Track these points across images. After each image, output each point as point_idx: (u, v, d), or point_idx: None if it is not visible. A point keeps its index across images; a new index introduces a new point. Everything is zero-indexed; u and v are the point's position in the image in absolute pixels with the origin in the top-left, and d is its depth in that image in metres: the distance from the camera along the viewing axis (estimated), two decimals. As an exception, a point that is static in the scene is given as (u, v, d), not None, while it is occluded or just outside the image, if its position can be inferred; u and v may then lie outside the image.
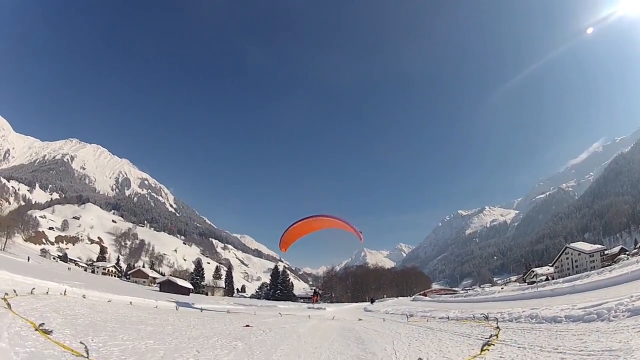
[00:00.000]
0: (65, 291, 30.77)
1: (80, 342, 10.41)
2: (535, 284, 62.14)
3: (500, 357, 11.29)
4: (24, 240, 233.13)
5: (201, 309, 39.67)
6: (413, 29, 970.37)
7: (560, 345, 11.88)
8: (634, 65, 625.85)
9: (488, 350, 12.17)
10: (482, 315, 22.41)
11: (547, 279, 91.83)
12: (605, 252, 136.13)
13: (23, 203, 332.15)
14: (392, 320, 30.67)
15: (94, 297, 32.18)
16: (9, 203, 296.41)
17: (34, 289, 25.87)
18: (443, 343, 15.08)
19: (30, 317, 14.36)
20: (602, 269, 55.04)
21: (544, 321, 17.26)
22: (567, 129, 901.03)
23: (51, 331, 11.64)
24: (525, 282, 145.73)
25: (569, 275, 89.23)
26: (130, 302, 34.77)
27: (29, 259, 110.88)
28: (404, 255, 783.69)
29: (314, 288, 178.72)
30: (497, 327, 16.17)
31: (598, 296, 21.63)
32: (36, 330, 11.51)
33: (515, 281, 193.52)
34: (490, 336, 14.61)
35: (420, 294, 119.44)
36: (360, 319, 34.38)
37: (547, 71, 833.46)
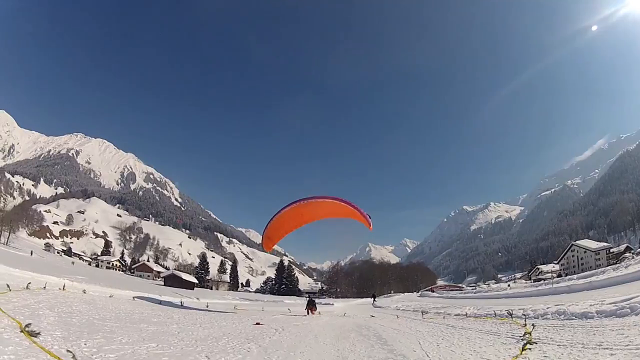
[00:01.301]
0: (64, 286, 29.27)
1: (67, 351, 8.78)
2: (549, 281, 60.86)
3: (545, 356, 10.21)
4: (29, 234, 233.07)
5: (207, 305, 38.31)
6: (420, 27, 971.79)
7: (603, 341, 11.24)
8: (639, 62, 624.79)
9: (529, 349, 10.96)
10: (504, 312, 21.32)
11: (554, 276, 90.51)
12: (611, 250, 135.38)
13: (28, 198, 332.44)
14: (406, 317, 29.37)
15: (94, 292, 30.75)
16: (14, 198, 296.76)
17: (29, 283, 24.34)
18: (474, 342, 13.74)
19: (20, 315, 12.84)
20: (615, 265, 54.17)
21: (574, 317, 16.58)
22: (573, 126, 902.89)
23: (39, 333, 9.99)
24: (530, 280, 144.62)
25: (575, 272, 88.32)
26: (134, 297, 33.38)
27: (31, 253, 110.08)
28: (409, 250, 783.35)
29: (321, 284, 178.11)
30: (532, 325, 14.75)
31: (618, 292, 21.31)
32: (21, 331, 9.92)
33: (520, 278, 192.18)
34: (524, 334, 13.40)
35: (426, 290, 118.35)
36: (372, 316, 33.21)
37: (553, 69, 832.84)
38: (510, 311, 20.49)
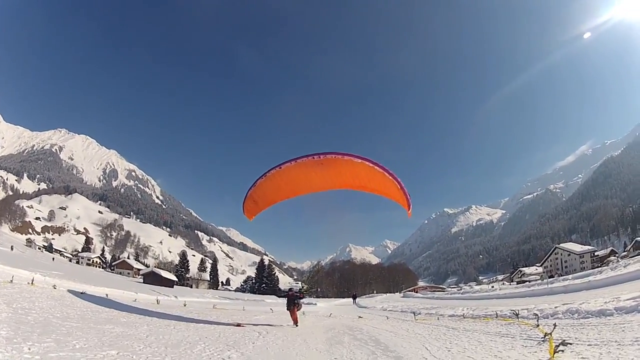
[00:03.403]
0: (32, 280, 27.09)
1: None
2: (542, 282, 60.26)
3: (582, 358, 9.23)
4: (11, 230, 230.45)
5: (185, 303, 36.38)
6: (409, 32, 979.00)
7: (638, 337, 10.68)
8: (628, 70, 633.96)
9: (562, 351, 9.76)
10: (507, 313, 20.51)
11: (544, 278, 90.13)
12: (596, 253, 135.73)
13: (11, 193, 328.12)
14: (397, 319, 27.78)
15: (65, 288, 28.51)
16: None
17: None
18: (487, 346, 12.15)
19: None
20: (600, 268, 54.34)
21: (590, 315, 15.97)
22: (556, 132, 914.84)
23: None
24: (513, 282, 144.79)
25: (560, 275, 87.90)
26: (107, 295, 31.23)
27: (12, 248, 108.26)
28: (389, 251, 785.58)
29: (301, 283, 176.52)
30: (554, 325, 13.16)
31: (620, 290, 21.33)
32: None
33: (502, 280, 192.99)
34: (545, 335, 12.23)
35: (409, 291, 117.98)
36: (360, 317, 31.58)
37: (541, 77, 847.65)
38: (516, 311, 19.25)
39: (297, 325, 21.60)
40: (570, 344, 10.35)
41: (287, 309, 22.68)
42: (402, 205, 21.23)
